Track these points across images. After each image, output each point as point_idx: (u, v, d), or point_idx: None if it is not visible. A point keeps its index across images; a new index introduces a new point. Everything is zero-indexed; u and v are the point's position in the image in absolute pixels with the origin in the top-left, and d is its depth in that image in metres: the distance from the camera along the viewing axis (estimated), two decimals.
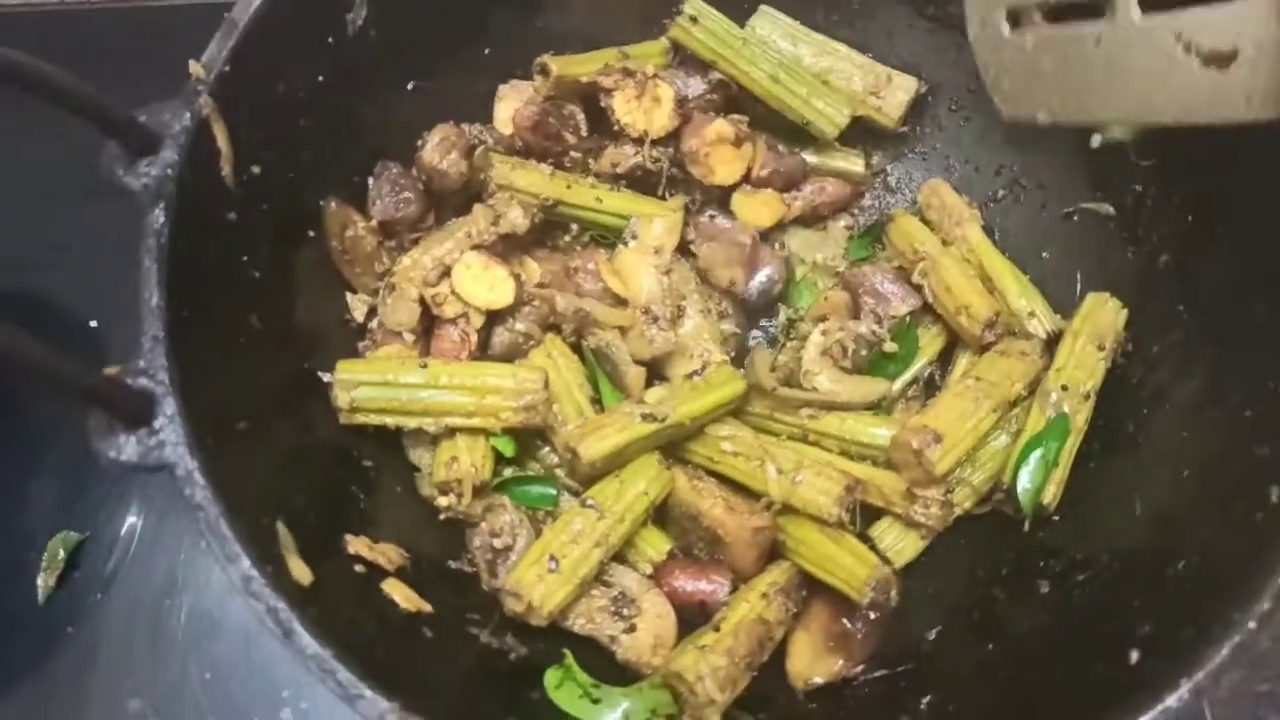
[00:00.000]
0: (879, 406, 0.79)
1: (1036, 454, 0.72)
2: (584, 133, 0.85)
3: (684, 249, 0.84)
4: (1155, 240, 0.76)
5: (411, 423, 0.73)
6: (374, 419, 0.73)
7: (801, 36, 0.89)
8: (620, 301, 0.79)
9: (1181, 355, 0.72)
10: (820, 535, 0.71)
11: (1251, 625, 0.54)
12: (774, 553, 0.74)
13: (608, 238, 0.85)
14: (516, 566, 0.69)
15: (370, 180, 0.81)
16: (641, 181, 0.86)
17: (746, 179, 0.86)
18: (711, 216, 0.85)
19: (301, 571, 0.59)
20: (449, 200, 0.83)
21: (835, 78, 0.88)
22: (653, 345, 0.77)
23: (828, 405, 0.77)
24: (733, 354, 0.83)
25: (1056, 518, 0.73)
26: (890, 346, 0.82)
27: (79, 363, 0.54)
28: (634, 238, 0.82)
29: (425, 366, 0.73)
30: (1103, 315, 0.77)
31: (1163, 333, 0.74)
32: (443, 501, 0.73)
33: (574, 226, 0.86)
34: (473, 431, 0.72)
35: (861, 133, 0.89)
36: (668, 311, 0.79)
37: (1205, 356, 0.70)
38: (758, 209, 0.86)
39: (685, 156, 0.84)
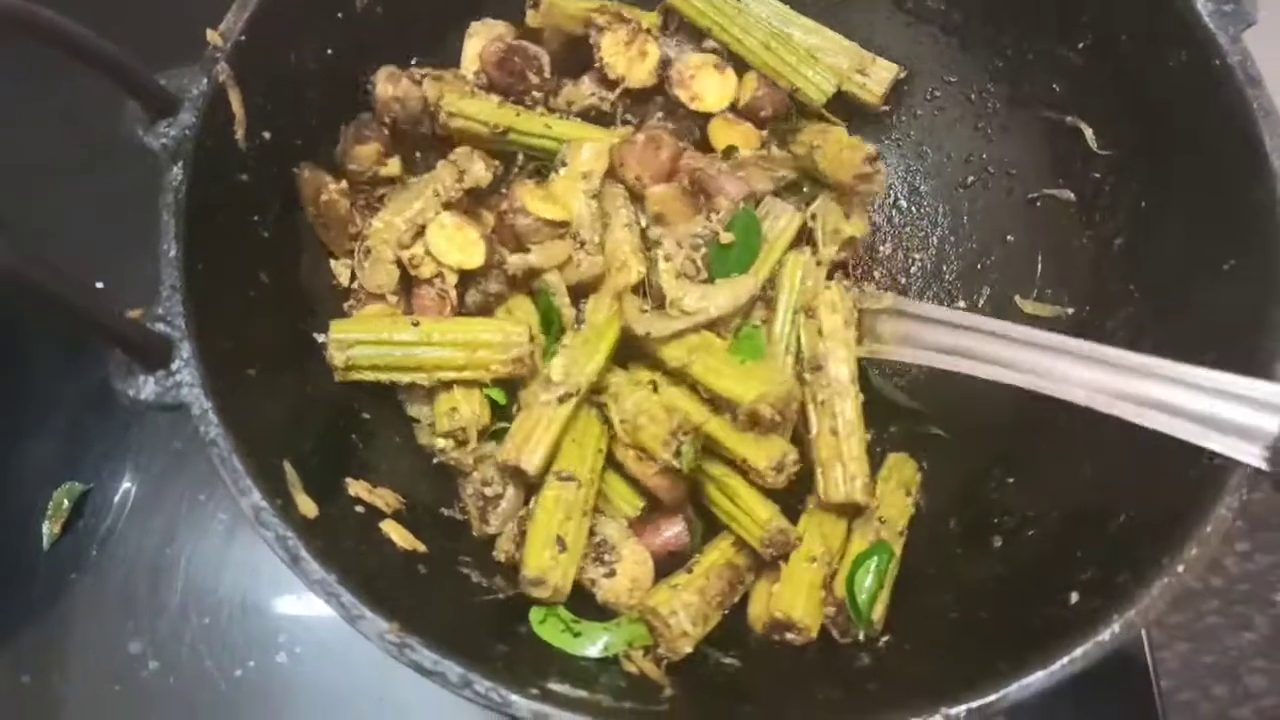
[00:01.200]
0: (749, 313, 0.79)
1: (871, 563, 0.73)
2: (547, 74, 0.86)
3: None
4: (1111, 224, 0.81)
5: (405, 378, 0.76)
6: (368, 375, 0.76)
7: (791, 17, 0.92)
8: (559, 227, 0.79)
9: (1132, 330, 0.77)
10: (731, 483, 0.74)
11: (1179, 569, 0.59)
12: None
13: (551, 166, 0.85)
14: (528, 557, 0.71)
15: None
16: (595, 121, 0.88)
17: (734, 109, 0.88)
18: (660, 117, 0.87)
19: (308, 506, 0.63)
20: (416, 142, 0.86)
21: (823, 55, 0.90)
22: (580, 269, 0.78)
23: (704, 325, 0.76)
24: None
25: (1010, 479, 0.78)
26: (726, 237, 0.80)
27: (108, 308, 0.58)
28: (564, 164, 0.82)
29: (417, 325, 0.76)
30: (905, 469, 0.81)
31: (1116, 309, 0.79)
32: (445, 445, 0.76)
33: (519, 158, 0.87)
34: (465, 384, 0.76)
35: (842, 115, 0.93)
36: (595, 236, 0.80)
37: (1152, 331, 0.75)
38: (732, 137, 0.87)
39: (670, 79, 0.86)
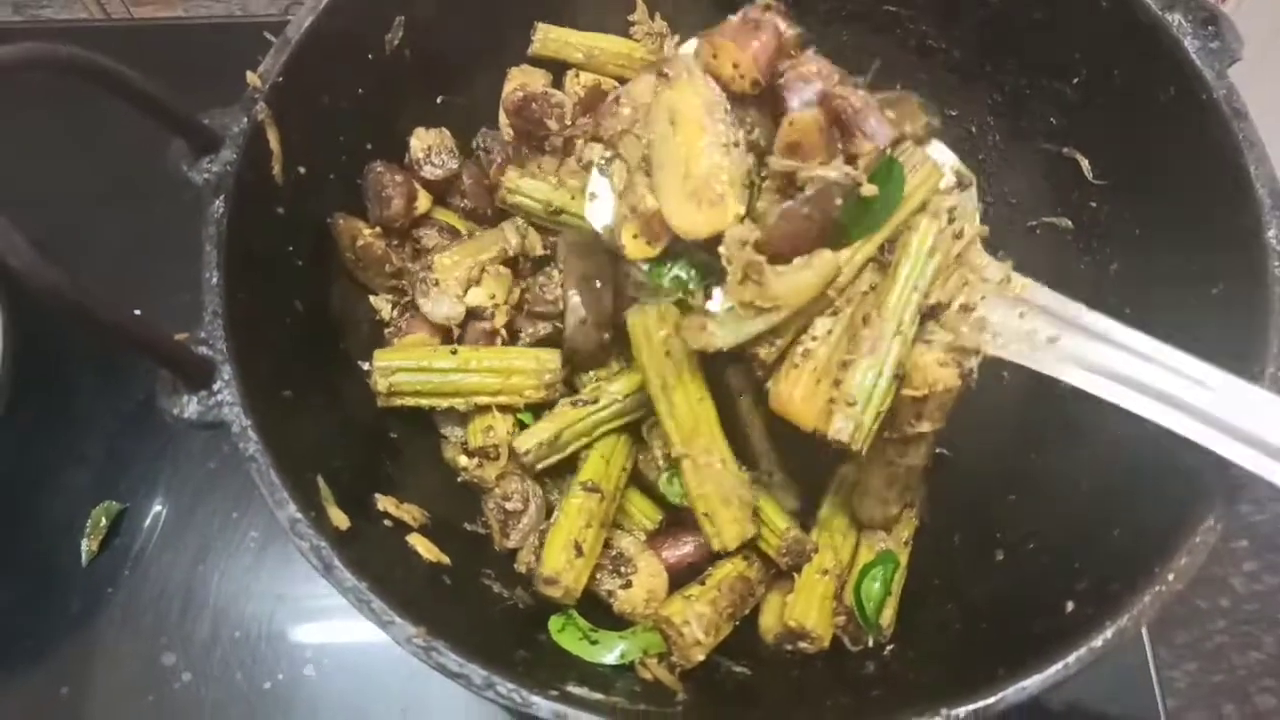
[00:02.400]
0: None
1: (878, 571, 0.76)
2: (568, 120, 0.90)
3: None
4: (1107, 251, 0.84)
5: (444, 403, 0.81)
6: (410, 400, 0.80)
7: None
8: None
9: None
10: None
11: (1170, 577, 0.61)
12: None
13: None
14: (546, 557, 0.75)
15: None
16: None
17: None
18: None
19: (340, 519, 0.66)
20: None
21: None
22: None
23: (785, 322, 0.66)
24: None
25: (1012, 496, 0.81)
26: (869, 189, 0.67)
27: (157, 331, 0.63)
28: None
29: (455, 353, 0.81)
30: None
31: None
32: (468, 464, 0.80)
33: None
34: (501, 408, 0.80)
35: None
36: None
37: None
38: None
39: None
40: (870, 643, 0.74)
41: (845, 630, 0.75)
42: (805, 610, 0.74)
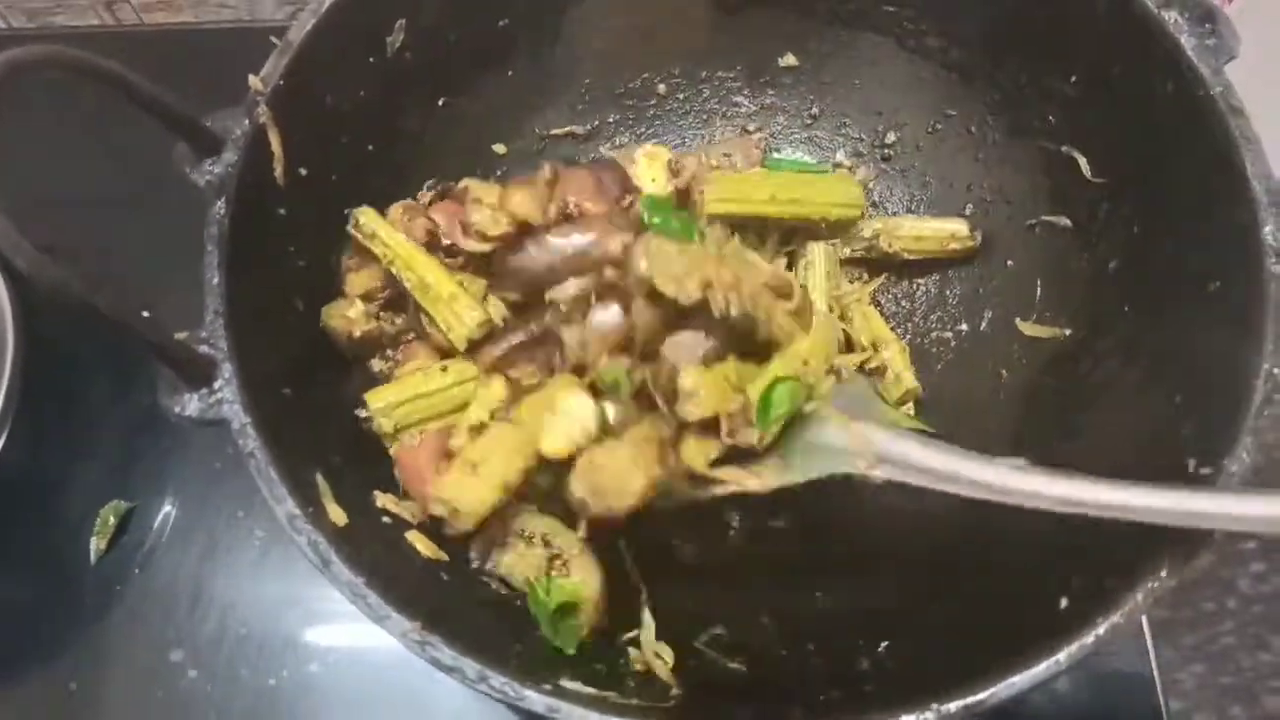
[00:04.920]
0: None
1: (789, 386, 0.74)
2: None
3: None
4: (1105, 247, 0.84)
5: (454, 419, 0.80)
6: (419, 427, 0.80)
7: None
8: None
9: (1126, 349, 0.79)
10: None
11: (1163, 573, 0.61)
12: None
13: None
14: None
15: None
16: None
17: None
18: None
19: (338, 515, 0.67)
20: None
21: None
22: None
23: None
24: None
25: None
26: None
27: (161, 329, 0.64)
28: None
29: (445, 369, 0.81)
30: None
31: (1110, 329, 0.82)
32: None
33: None
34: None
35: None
36: None
37: (1145, 349, 0.78)
38: None
39: None
40: (755, 440, 0.73)
41: (730, 418, 0.73)
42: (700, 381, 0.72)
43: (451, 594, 0.72)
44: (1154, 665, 0.94)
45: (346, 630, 0.95)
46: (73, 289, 0.58)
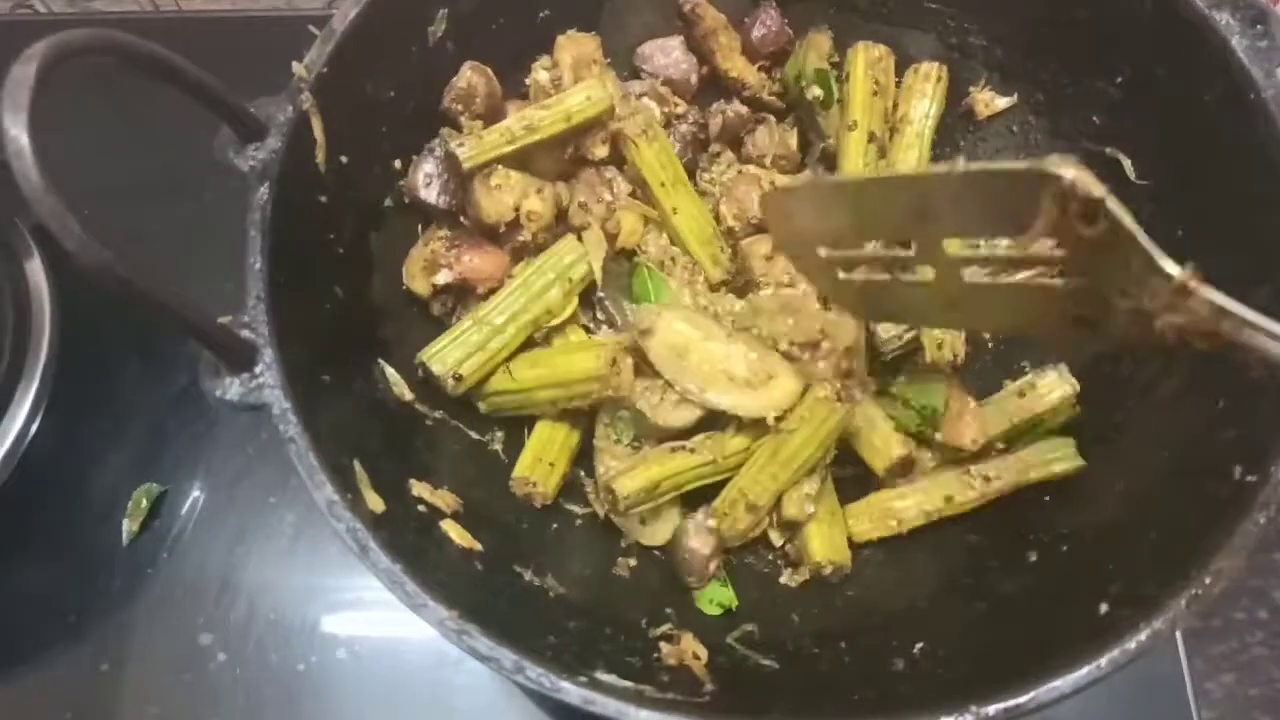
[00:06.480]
0: None
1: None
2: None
3: None
4: None
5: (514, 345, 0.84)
6: (486, 370, 0.84)
7: None
8: None
9: (1168, 353, 0.79)
10: None
11: (1207, 580, 0.61)
12: None
13: None
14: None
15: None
16: None
17: None
18: None
19: (375, 502, 0.67)
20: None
21: None
22: None
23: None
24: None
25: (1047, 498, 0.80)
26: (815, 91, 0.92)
27: (204, 313, 0.64)
28: None
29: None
30: None
31: None
32: None
33: None
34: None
35: None
36: None
37: (1187, 354, 0.77)
38: None
39: None
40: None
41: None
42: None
43: (486, 584, 0.72)
44: (1186, 674, 0.93)
45: (375, 619, 0.95)
46: (118, 271, 0.58)
